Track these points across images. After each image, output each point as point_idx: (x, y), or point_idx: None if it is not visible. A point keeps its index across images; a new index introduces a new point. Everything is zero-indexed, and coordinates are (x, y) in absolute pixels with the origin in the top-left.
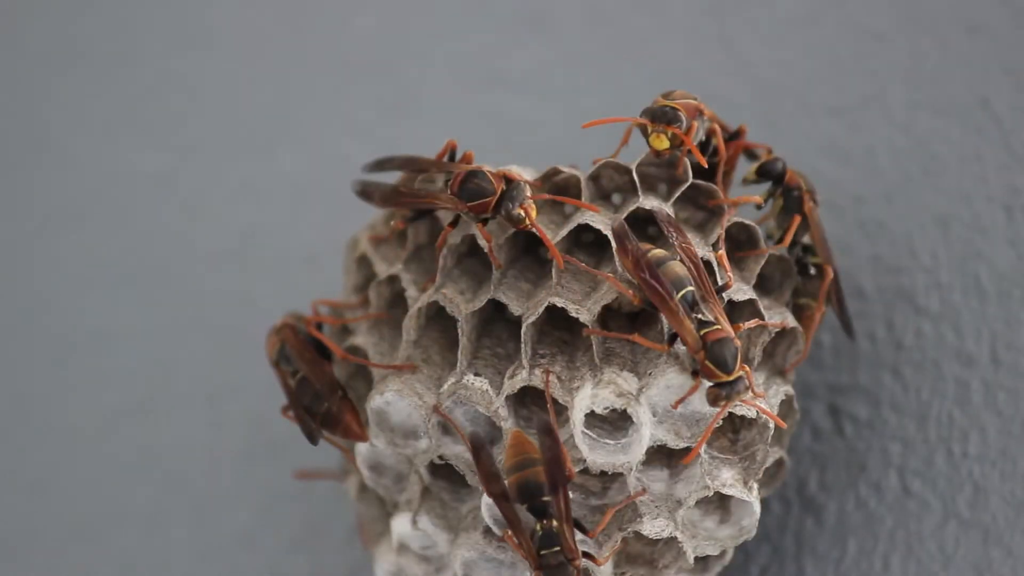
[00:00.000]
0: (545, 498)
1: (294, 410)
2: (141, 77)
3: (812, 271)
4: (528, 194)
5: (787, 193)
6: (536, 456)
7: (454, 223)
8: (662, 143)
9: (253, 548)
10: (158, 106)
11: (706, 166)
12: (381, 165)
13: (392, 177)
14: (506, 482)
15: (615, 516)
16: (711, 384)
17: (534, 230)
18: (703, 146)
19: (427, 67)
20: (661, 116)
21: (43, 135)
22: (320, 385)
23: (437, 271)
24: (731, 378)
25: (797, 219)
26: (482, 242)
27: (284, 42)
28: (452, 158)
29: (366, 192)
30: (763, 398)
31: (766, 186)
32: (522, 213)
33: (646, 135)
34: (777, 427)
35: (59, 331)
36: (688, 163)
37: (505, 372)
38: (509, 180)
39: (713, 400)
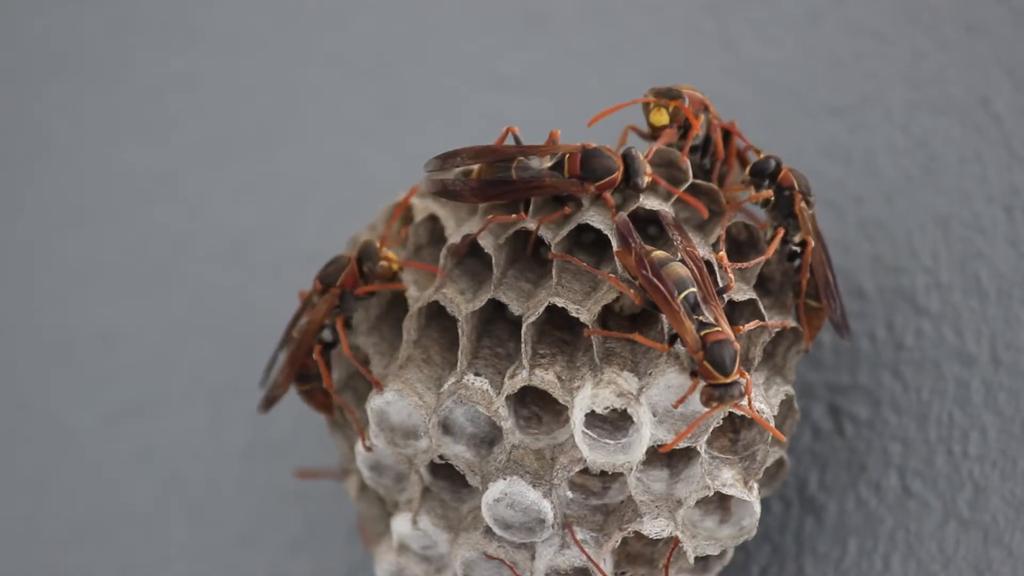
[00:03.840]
0: None
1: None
2: (141, 77)
3: (797, 252)
4: (647, 167)
5: (779, 193)
6: None
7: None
8: (662, 117)
9: (253, 548)
10: (158, 106)
11: (696, 134)
12: (446, 160)
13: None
14: None
15: (615, 516)
16: (706, 384)
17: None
18: (703, 145)
19: (427, 67)
20: (665, 92)
21: (43, 135)
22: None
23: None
24: (728, 380)
25: (781, 232)
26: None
27: (284, 42)
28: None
29: (451, 190)
30: (764, 404)
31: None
32: (648, 180)
33: (647, 114)
34: (778, 426)
35: (59, 331)
36: (688, 161)
37: (505, 372)
38: (623, 153)
39: (706, 400)
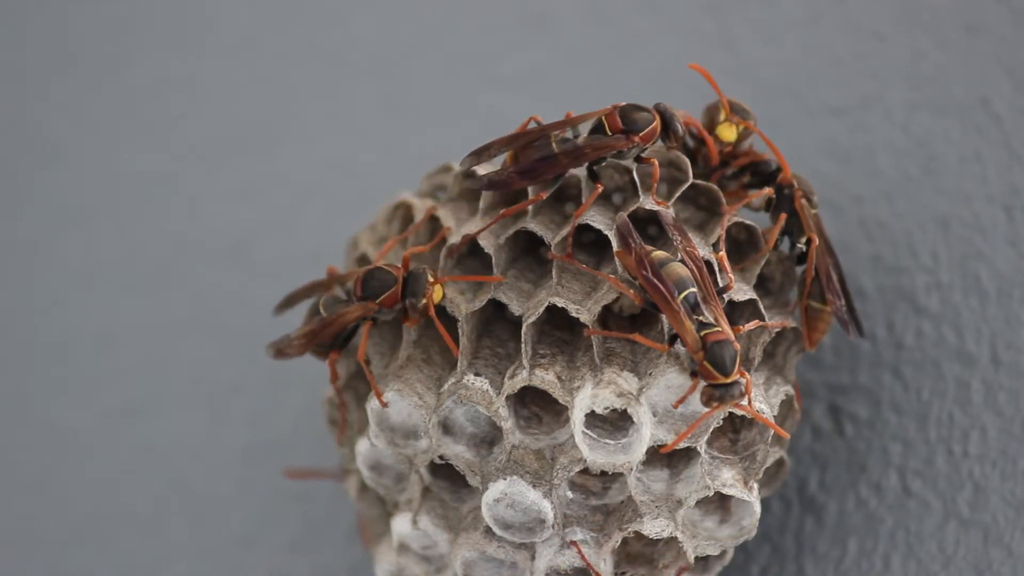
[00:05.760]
0: None
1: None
2: (141, 77)
3: (802, 247)
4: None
5: (779, 191)
6: None
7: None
8: (731, 133)
9: (253, 548)
10: (158, 106)
11: (716, 160)
12: (480, 155)
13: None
14: None
15: (615, 516)
16: (706, 384)
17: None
18: (739, 171)
19: (427, 67)
20: (740, 110)
21: (42, 135)
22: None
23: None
24: (728, 380)
25: (780, 223)
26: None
27: (284, 43)
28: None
29: (496, 181)
30: (764, 403)
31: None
32: (684, 128)
33: (715, 122)
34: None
35: (59, 331)
36: (687, 161)
37: (505, 372)
38: (657, 107)
39: (707, 400)
